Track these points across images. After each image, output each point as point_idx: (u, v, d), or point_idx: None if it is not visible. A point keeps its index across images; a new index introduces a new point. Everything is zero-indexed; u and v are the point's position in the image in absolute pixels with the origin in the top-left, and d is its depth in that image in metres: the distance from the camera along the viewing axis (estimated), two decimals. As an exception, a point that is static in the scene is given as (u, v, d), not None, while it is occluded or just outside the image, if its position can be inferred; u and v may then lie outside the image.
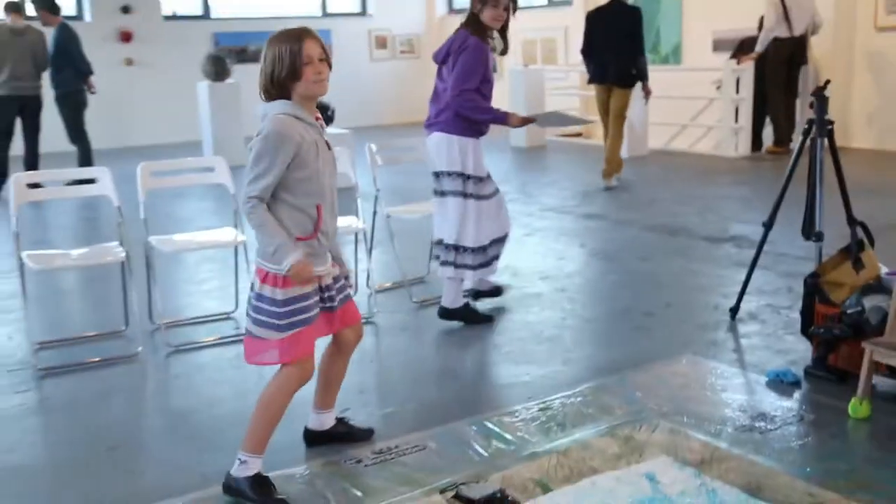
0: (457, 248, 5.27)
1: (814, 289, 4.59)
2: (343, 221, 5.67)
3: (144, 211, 5.13)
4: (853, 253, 4.61)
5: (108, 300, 5.46)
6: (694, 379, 4.41)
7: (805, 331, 4.62)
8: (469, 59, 5.31)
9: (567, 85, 14.29)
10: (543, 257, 6.84)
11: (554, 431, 3.80)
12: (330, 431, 3.82)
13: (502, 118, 5.44)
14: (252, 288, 3.35)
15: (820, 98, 4.99)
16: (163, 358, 4.89)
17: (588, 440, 3.70)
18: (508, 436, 3.76)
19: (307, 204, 3.32)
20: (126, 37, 14.31)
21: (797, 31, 11.20)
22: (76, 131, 10.06)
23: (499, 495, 3.05)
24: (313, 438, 3.81)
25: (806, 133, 5.07)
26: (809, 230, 5.09)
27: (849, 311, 4.32)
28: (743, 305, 5.29)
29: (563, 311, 5.55)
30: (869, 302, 4.30)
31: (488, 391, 4.35)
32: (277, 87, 3.29)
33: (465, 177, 5.30)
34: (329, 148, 3.44)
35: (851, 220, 4.80)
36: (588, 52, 9.99)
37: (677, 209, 8.40)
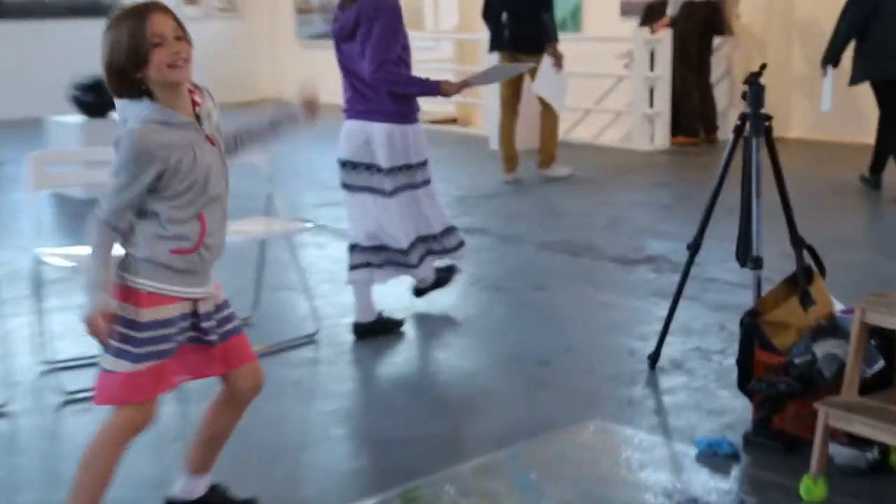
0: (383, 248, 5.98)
1: (752, 331, 4.62)
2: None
3: None
4: (800, 285, 4.62)
5: None
6: (604, 453, 4.44)
7: (743, 385, 4.64)
8: (387, 23, 5.79)
9: (438, 57, 14.29)
10: (408, 288, 6.71)
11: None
12: (200, 501, 3.75)
13: (434, 88, 5.96)
14: None
15: (755, 87, 5.04)
16: None
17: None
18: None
19: (186, 216, 3.29)
20: None
21: None
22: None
23: None
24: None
25: (738, 131, 5.10)
26: (745, 255, 5.13)
27: (797, 361, 4.35)
28: (664, 350, 5.33)
29: (435, 362, 5.61)
30: (821, 349, 4.34)
31: (329, 480, 4.28)
32: (122, 79, 3.22)
33: (409, 167, 6.02)
34: (213, 143, 3.40)
35: (797, 242, 4.85)
36: (488, 14, 10.05)
37: (580, 220, 8.50)
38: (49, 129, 10.02)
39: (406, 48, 5.98)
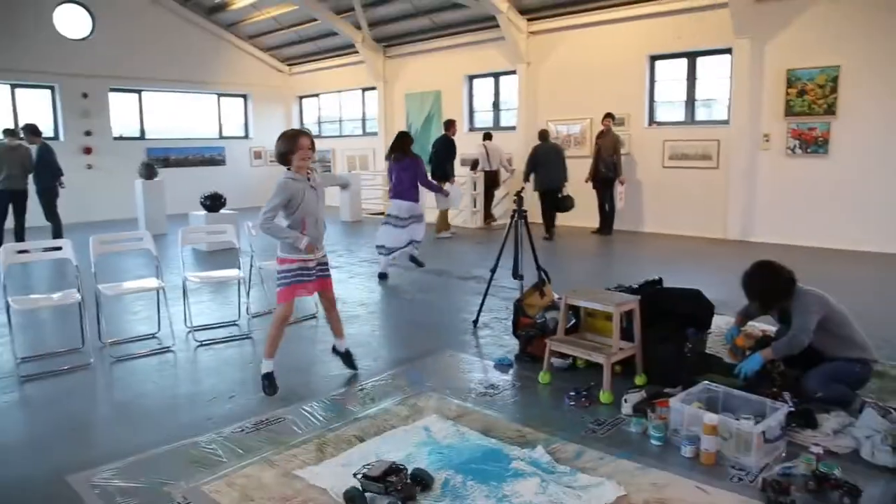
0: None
1: (518, 308, 4.76)
2: (229, 272, 5.53)
3: (95, 266, 4.88)
4: (539, 287, 4.81)
5: (70, 327, 5.04)
6: (452, 365, 4.45)
7: (515, 333, 4.77)
8: (420, 167, 7.20)
9: (375, 183, 14.31)
10: (361, 291, 6.76)
11: (367, 404, 3.78)
12: (343, 352, 4.37)
13: (438, 188, 7.79)
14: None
15: (519, 198, 5.23)
16: (108, 366, 4.57)
17: (389, 407, 3.71)
18: (339, 407, 3.72)
19: (295, 222, 3.90)
20: (87, 150, 13.37)
21: (493, 167, 11.44)
22: (51, 213, 9.34)
23: (392, 466, 2.74)
24: (337, 353, 4.41)
25: (512, 216, 5.28)
26: (515, 273, 5.29)
27: (538, 321, 4.51)
28: (481, 319, 5.38)
29: (373, 325, 5.51)
30: (549, 315, 4.51)
31: (325, 380, 4.25)
32: (282, 160, 3.94)
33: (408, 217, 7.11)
34: (314, 188, 3.96)
35: (538, 268, 5.02)
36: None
37: (441, 260, 8.45)
38: (191, 219, 9.80)
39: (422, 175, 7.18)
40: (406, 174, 7.08)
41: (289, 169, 3.90)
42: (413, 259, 7.61)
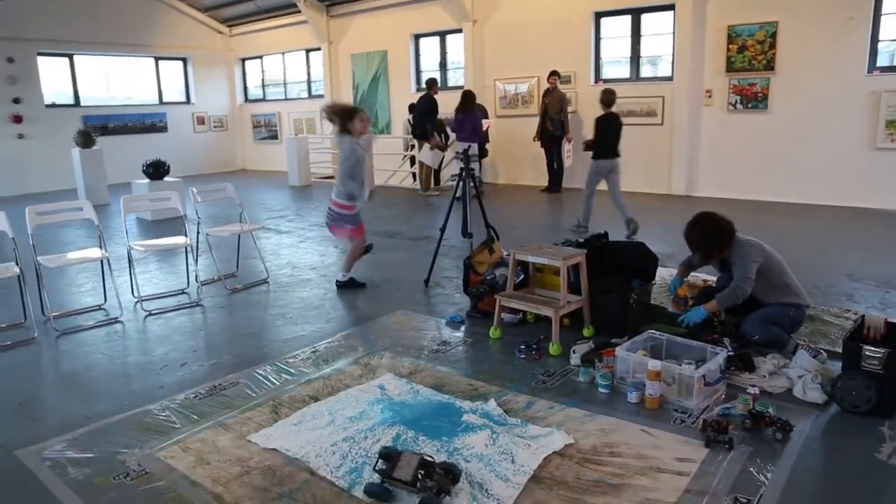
0: None
1: (468, 266, 4.83)
2: (176, 240, 5.43)
3: (33, 239, 4.70)
4: (488, 244, 4.86)
5: (11, 302, 4.89)
6: (405, 324, 4.48)
7: (465, 290, 4.83)
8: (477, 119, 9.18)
9: (323, 146, 14.12)
10: (312, 255, 6.72)
11: (321, 365, 3.80)
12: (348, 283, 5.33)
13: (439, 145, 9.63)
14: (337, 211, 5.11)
15: (466, 156, 5.24)
16: (53, 339, 4.46)
17: (342, 368, 3.74)
18: (292, 370, 3.74)
19: (357, 178, 4.92)
20: (17, 119, 12.76)
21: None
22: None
23: (423, 461, 2.44)
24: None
25: (458, 176, 5.30)
26: (465, 232, 5.34)
27: (488, 278, 4.58)
28: (432, 278, 5.42)
29: (325, 289, 5.49)
30: (498, 272, 4.58)
31: (278, 344, 4.24)
32: (343, 128, 4.92)
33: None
34: (362, 149, 5.03)
35: (487, 226, 5.08)
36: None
37: (393, 222, 8.45)
38: (133, 187, 9.50)
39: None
40: (468, 123, 9.53)
41: (348, 133, 4.91)
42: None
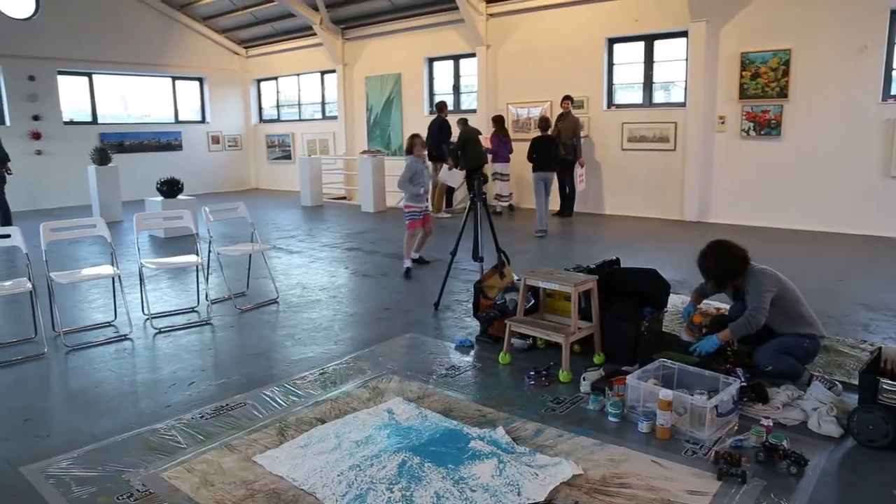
0: None
1: (479, 290, 4.80)
2: (187, 258, 5.45)
3: (46, 255, 4.74)
4: (499, 269, 4.85)
5: (22, 317, 4.91)
6: (414, 347, 4.46)
7: (475, 314, 4.80)
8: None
9: (335, 167, 14.22)
10: (322, 276, 6.72)
11: (328, 387, 3.78)
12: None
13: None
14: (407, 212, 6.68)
15: (479, 180, 5.25)
16: (63, 355, 4.46)
17: (350, 391, 3.71)
18: (300, 392, 3.71)
19: (416, 185, 6.53)
20: (36, 136, 12.94)
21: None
22: (-3, 201, 9.06)
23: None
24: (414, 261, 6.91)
25: (472, 199, 5.30)
26: (475, 255, 5.33)
27: (498, 303, 4.54)
28: (441, 301, 5.40)
29: (334, 309, 5.48)
30: (509, 297, 4.54)
31: (287, 365, 4.23)
32: (408, 150, 6.61)
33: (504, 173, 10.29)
34: (426, 167, 6.84)
35: (498, 250, 5.06)
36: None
37: (401, 244, 8.40)
38: (147, 205, 9.59)
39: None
40: (504, 146, 10.57)
41: (413, 154, 6.59)
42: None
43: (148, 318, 5.15)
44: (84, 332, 4.93)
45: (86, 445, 3.08)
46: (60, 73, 13.33)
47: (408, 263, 6.73)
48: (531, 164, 9.00)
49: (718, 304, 4.70)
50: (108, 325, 5.08)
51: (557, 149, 9.31)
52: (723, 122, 9.22)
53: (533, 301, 4.29)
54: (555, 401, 3.52)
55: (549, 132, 9.28)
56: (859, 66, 8.09)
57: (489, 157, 10.73)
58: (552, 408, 3.43)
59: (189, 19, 15.15)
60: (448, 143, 10.49)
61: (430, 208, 6.62)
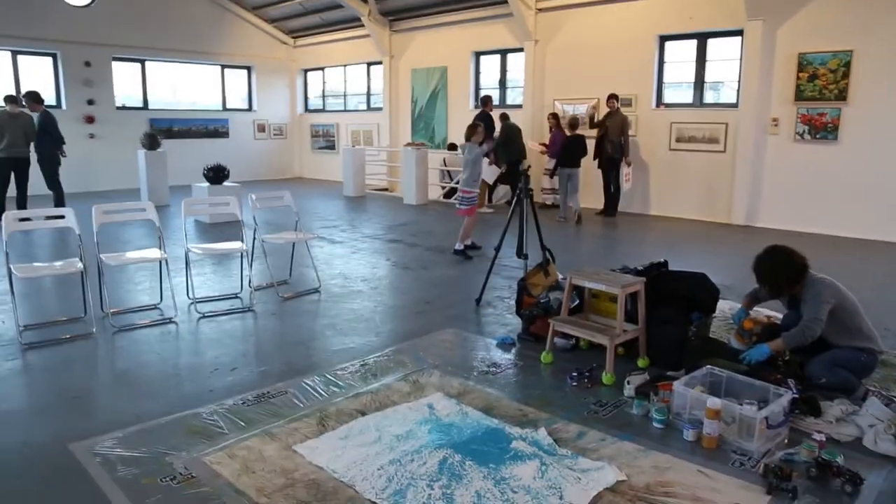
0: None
1: (522, 287, 4.75)
2: (232, 245, 5.51)
3: (97, 236, 4.83)
4: (543, 266, 4.79)
5: (72, 296, 5.04)
6: (454, 343, 4.43)
7: (518, 312, 4.75)
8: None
9: (379, 158, 14.27)
10: (364, 267, 6.74)
11: (369, 379, 3.77)
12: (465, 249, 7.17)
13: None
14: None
15: (525, 177, 5.19)
16: (110, 335, 4.55)
17: (391, 384, 3.69)
18: (341, 383, 3.71)
19: (476, 171, 6.91)
20: (90, 119, 13.28)
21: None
22: (53, 182, 9.30)
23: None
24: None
25: (518, 195, 5.24)
26: (520, 252, 5.28)
27: (541, 301, 4.48)
28: (483, 297, 5.35)
29: (376, 301, 5.48)
30: (553, 295, 4.48)
31: (327, 355, 4.23)
32: (467, 138, 7.04)
33: None
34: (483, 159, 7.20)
35: (543, 247, 5.00)
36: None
37: (444, 238, 8.36)
38: (193, 190, 9.77)
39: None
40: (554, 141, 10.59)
41: (472, 141, 6.89)
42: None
43: (192, 303, 5.22)
44: (131, 313, 5.02)
45: (131, 426, 3.13)
46: (115, 59, 13.64)
47: (460, 246, 7.13)
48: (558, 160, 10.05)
49: (770, 311, 4.56)
50: (154, 307, 5.17)
51: (584, 147, 9.95)
52: (776, 125, 8.95)
53: (577, 301, 4.22)
54: (597, 403, 3.45)
55: (577, 131, 10.02)
56: (925, 70, 7.77)
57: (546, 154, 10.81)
58: (595, 410, 3.37)
59: (240, 8, 15.34)
60: (492, 138, 10.40)
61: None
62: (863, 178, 8.34)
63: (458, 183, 8.78)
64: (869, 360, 3.56)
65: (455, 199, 7.32)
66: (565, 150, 9.93)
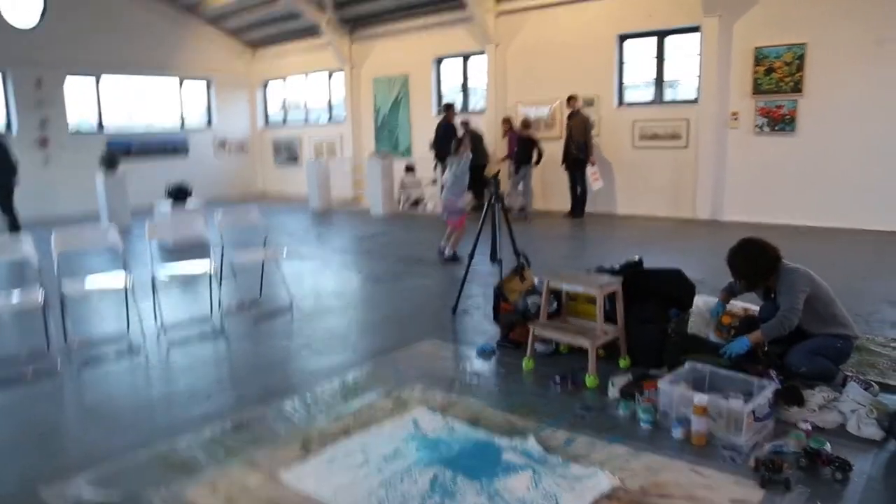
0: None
1: (498, 294, 4.71)
2: (200, 265, 5.37)
3: (58, 264, 4.66)
4: (519, 271, 4.75)
5: (33, 329, 4.83)
6: (434, 354, 4.37)
7: (495, 319, 4.71)
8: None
9: (343, 170, 14.15)
10: (335, 282, 6.65)
11: (350, 398, 3.68)
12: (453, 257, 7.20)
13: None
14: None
15: (495, 182, 5.16)
16: (76, 369, 4.38)
17: (373, 401, 3.61)
18: (321, 403, 3.62)
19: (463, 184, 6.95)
20: (44, 142, 12.88)
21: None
22: (7, 208, 9.01)
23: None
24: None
25: (488, 200, 5.21)
26: (493, 257, 5.24)
27: (519, 307, 4.45)
28: (459, 306, 5.29)
29: (350, 316, 5.41)
30: (530, 300, 4.44)
31: (305, 375, 4.14)
32: (455, 151, 7.09)
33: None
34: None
35: (517, 252, 4.96)
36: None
37: (416, 247, 8.34)
38: (156, 210, 9.52)
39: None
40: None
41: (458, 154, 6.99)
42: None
43: (161, 329, 5.07)
44: (97, 344, 4.86)
45: (103, 463, 2.99)
46: (70, 74, 13.23)
47: (450, 252, 7.25)
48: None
49: (746, 304, 4.58)
50: (122, 336, 5.01)
51: (532, 147, 10.31)
52: (736, 119, 9.10)
53: (556, 304, 4.19)
54: (583, 407, 3.42)
55: (528, 132, 10.43)
56: (877, 60, 7.96)
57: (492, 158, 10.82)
58: (581, 415, 3.34)
59: (196, 19, 15.07)
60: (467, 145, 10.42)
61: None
62: (820, 168, 8.51)
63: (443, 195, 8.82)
64: (845, 346, 3.60)
65: (442, 210, 7.44)
66: (518, 148, 10.35)
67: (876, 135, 8.07)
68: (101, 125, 14.05)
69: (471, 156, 7.18)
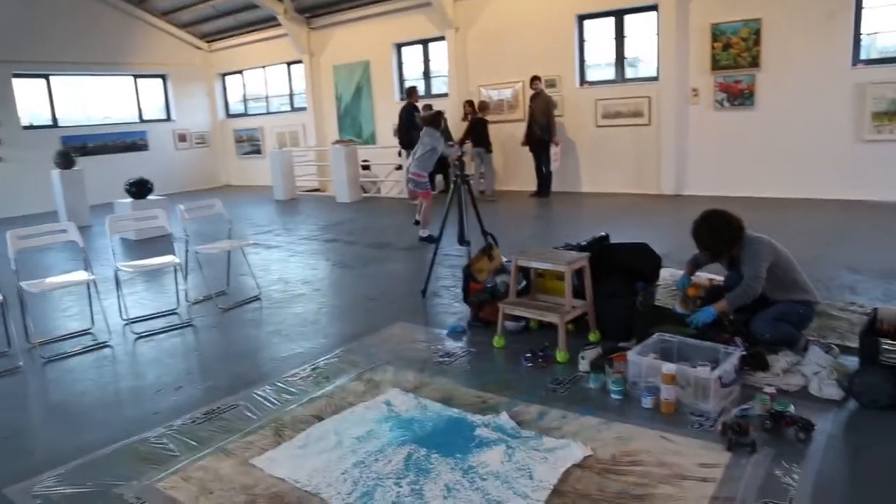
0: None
1: (467, 274, 4.71)
2: (164, 259, 5.28)
3: (15, 263, 4.52)
4: (487, 251, 4.75)
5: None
6: (405, 336, 4.37)
7: (465, 299, 4.72)
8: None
9: (307, 159, 14.02)
10: (303, 269, 6.59)
11: (322, 382, 3.67)
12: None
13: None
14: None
15: (461, 163, 5.16)
16: (39, 367, 4.29)
17: (345, 385, 3.61)
18: (293, 389, 3.60)
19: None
20: (-7, 142, 12.53)
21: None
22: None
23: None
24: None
25: (455, 182, 5.21)
26: (461, 239, 5.25)
27: (488, 286, 4.47)
28: (428, 288, 5.29)
29: (319, 303, 5.37)
30: (499, 279, 4.48)
31: (276, 362, 4.10)
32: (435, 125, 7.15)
33: None
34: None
35: (484, 233, 4.96)
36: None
37: (383, 233, 8.32)
38: (116, 207, 9.32)
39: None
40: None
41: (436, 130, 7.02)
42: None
43: (127, 324, 4.98)
44: (60, 341, 4.75)
45: (72, 461, 2.93)
46: (16, 76, 12.89)
47: (425, 233, 7.30)
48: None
49: (711, 275, 4.66)
50: (86, 332, 4.90)
51: (487, 128, 10.53)
52: (696, 94, 9.21)
53: (524, 282, 4.22)
54: (554, 382, 3.46)
55: (484, 115, 10.63)
56: (829, 32, 8.12)
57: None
58: (552, 389, 3.37)
59: (148, 15, 14.73)
60: (417, 130, 10.35)
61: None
62: (779, 140, 8.68)
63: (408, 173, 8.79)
64: (807, 311, 3.69)
65: (407, 182, 7.73)
66: (474, 130, 10.44)
67: (828, 106, 8.25)
68: (54, 120, 13.68)
69: (443, 143, 7.19)
